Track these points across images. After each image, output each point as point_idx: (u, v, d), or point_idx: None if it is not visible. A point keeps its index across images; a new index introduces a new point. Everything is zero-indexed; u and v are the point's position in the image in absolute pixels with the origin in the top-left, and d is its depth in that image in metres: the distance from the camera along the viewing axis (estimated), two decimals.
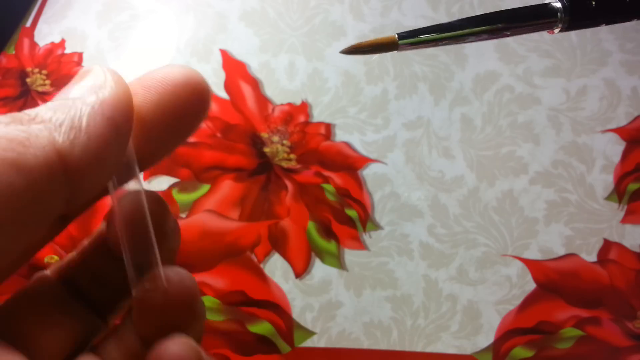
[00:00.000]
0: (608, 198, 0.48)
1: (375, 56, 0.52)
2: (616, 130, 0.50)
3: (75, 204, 0.16)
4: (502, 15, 0.21)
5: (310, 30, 0.53)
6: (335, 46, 0.52)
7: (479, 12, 0.53)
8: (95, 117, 0.15)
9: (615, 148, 0.50)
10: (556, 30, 0.21)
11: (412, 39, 0.20)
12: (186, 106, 0.18)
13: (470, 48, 0.52)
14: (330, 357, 0.44)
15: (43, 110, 0.15)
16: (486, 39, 0.21)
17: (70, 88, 0.16)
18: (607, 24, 0.22)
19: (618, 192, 0.49)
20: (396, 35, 0.20)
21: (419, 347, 0.45)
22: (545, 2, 0.21)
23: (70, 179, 0.15)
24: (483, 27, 0.20)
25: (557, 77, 0.51)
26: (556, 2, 0.21)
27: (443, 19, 0.53)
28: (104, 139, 0.15)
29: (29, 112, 0.15)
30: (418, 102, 0.51)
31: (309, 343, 0.45)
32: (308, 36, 0.52)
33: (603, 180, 0.49)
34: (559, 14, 0.21)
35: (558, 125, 0.50)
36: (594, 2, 0.21)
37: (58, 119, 0.15)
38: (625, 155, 0.50)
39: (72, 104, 0.15)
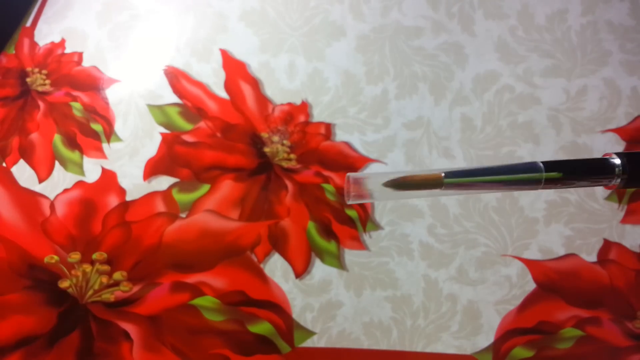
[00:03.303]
0: (608, 198, 0.48)
1: (376, 57, 0.52)
2: (616, 130, 0.50)
3: None
4: (562, 166, 0.20)
5: (310, 30, 0.53)
6: (335, 46, 0.52)
7: (479, 12, 0.53)
8: None
9: (615, 148, 0.50)
10: (613, 187, 0.21)
11: (459, 178, 0.19)
12: None
13: (471, 48, 0.52)
14: (330, 357, 0.44)
15: None
16: (541, 189, 0.20)
17: None
18: None
19: (618, 192, 0.49)
20: (443, 174, 0.19)
21: (419, 347, 0.45)
22: (605, 157, 0.21)
23: None
24: (536, 175, 0.19)
25: (557, 77, 0.51)
26: (615, 158, 0.20)
27: (443, 19, 0.53)
28: None
29: None
30: (418, 102, 0.51)
31: (309, 343, 0.45)
32: (308, 36, 0.52)
33: None
34: (617, 169, 0.20)
35: (558, 125, 0.50)
36: None
37: None
38: None
39: None
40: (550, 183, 0.20)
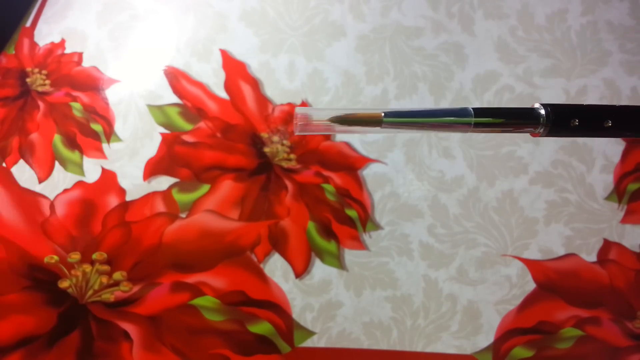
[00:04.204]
0: (608, 198, 0.48)
1: (376, 57, 0.52)
2: None
3: None
4: (491, 112, 0.22)
5: (310, 30, 0.53)
6: (335, 46, 0.52)
7: (479, 12, 0.53)
8: None
9: (615, 148, 0.50)
10: (538, 134, 0.23)
11: (397, 118, 0.21)
12: None
13: (471, 48, 0.52)
14: (330, 357, 0.44)
15: None
16: (464, 132, 0.22)
17: None
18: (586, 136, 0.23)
19: (618, 192, 0.49)
20: (382, 113, 0.21)
21: (419, 347, 0.45)
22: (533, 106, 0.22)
23: None
24: (466, 119, 0.21)
25: (557, 77, 0.51)
26: (541, 108, 0.22)
27: (443, 19, 0.53)
28: None
29: None
30: (418, 102, 0.51)
31: (309, 343, 0.45)
32: (308, 36, 0.52)
33: (603, 180, 0.49)
34: (542, 118, 0.22)
35: None
36: (576, 122, 0.22)
37: None
38: (625, 155, 0.50)
39: None
40: (479, 126, 0.21)
